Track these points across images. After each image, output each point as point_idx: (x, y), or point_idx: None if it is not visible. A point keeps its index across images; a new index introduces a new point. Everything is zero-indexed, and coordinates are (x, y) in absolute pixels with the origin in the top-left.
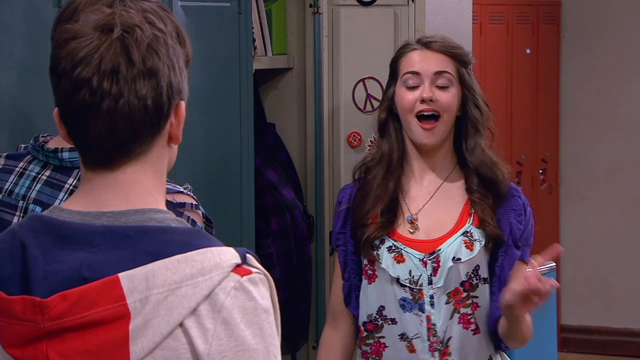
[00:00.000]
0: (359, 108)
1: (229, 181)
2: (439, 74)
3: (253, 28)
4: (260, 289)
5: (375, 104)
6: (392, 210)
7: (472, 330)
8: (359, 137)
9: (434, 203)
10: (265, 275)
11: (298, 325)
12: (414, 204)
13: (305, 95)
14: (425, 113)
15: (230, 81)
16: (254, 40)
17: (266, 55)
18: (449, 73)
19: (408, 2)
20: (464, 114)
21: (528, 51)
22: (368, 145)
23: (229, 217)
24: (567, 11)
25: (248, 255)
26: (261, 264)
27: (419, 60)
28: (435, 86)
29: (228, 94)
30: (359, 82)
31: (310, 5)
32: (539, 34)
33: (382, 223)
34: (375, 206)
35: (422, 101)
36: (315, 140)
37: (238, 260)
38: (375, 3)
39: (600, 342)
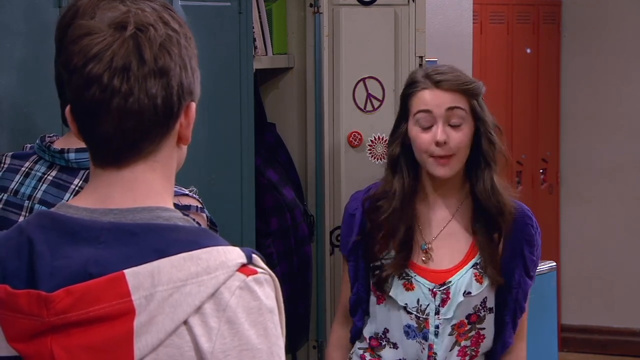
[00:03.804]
0: (359, 108)
1: (229, 181)
2: (451, 109)
3: (253, 28)
4: (265, 289)
5: (376, 103)
6: (407, 244)
7: None
8: (359, 137)
9: (447, 232)
10: (270, 275)
11: (298, 325)
12: (427, 231)
13: (306, 95)
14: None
15: (231, 81)
16: (254, 39)
17: (266, 54)
18: (461, 109)
19: (408, 1)
20: (476, 146)
21: (528, 51)
22: (369, 145)
23: (229, 217)
24: (567, 11)
25: (254, 255)
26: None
27: (430, 99)
28: (449, 125)
29: (228, 94)
30: (359, 81)
31: (311, 5)
32: (539, 34)
33: (398, 260)
34: (389, 243)
35: (437, 144)
36: (315, 140)
37: (244, 259)
38: (375, 3)
39: (601, 342)
